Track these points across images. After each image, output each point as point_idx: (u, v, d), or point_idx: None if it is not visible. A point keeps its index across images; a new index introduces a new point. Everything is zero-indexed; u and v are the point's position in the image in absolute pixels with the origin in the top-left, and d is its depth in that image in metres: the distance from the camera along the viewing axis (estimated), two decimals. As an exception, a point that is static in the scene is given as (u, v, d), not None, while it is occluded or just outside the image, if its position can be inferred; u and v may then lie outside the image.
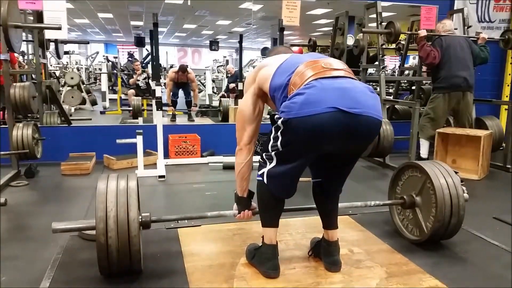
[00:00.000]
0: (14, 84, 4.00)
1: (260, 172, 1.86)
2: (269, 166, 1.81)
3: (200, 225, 2.55)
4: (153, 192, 3.57)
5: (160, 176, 3.92)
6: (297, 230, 2.52)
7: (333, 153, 1.80)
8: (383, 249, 2.31)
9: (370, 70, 7.12)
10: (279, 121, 1.66)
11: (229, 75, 8.97)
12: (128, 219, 1.73)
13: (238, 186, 2.01)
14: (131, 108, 7.00)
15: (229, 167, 4.35)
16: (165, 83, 7.45)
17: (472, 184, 3.82)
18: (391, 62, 11.70)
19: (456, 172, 2.31)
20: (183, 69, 6.98)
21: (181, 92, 7.31)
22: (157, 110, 4.24)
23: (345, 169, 1.94)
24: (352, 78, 1.71)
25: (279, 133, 1.69)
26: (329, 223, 2.03)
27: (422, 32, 4.32)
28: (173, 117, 7.01)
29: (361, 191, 3.60)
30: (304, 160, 1.76)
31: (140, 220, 1.83)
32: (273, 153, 1.77)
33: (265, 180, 1.83)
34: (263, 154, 1.85)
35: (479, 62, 4.40)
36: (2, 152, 3.57)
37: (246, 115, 1.91)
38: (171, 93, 7.09)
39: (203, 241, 2.37)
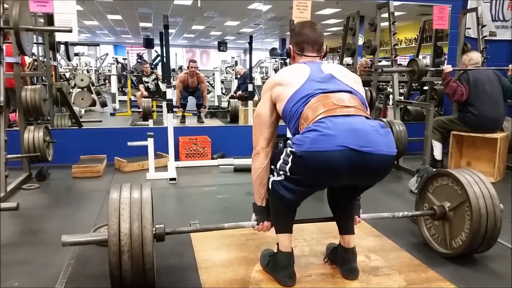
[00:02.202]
0: (26, 87, 4.00)
1: (270, 180, 1.86)
2: (276, 178, 1.80)
3: (213, 229, 2.51)
4: (164, 195, 3.54)
5: (171, 179, 3.90)
6: (312, 235, 2.47)
7: (344, 186, 1.83)
8: (400, 255, 2.25)
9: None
10: (289, 151, 1.65)
11: (238, 76, 8.91)
12: (142, 235, 1.65)
13: (256, 193, 1.93)
14: (141, 110, 7.00)
15: (240, 169, 4.32)
16: (174, 86, 7.46)
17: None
18: (403, 61, 11.57)
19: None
20: (192, 60, 7.03)
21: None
22: (168, 112, 4.22)
23: (359, 193, 1.97)
24: (363, 116, 1.68)
25: (289, 160, 1.67)
26: (346, 228, 1.99)
27: (448, 68, 4.12)
28: (183, 118, 7.00)
29: (375, 194, 3.54)
30: (311, 187, 1.77)
31: (154, 232, 1.78)
32: (281, 172, 1.75)
33: (269, 187, 1.84)
34: (271, 166, 1.83)
35: (510, 95, 4.21)
36: (13, 155, 3.57)
37: (264, 119, 1.87)
38: (182, 97, 7.08)
39: (216, 246, 2.33)
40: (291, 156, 1.65)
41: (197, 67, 7.13)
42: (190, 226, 2.48)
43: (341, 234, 2.01)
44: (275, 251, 1.98)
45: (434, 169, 3.57)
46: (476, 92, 3.94)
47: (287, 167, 1.68)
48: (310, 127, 1.61)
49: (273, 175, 1.81)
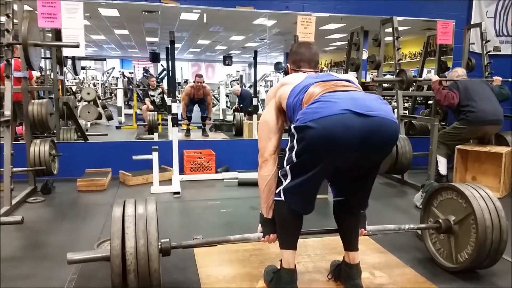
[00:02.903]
0: (32, 101, 4.05)
1: (277, 191, 1.85)
2: (284, 183, 1.80)
3: (216, 245, 2.50)
4: (168, 209, 3.54)
5: (175, 193, 3.90)
6: (316, 251, 2.46)
7: (351, 165, 1.76)
8: (405, 272, 2.23)
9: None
10: (294, 128, 1.67)
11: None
12: (149, 253, 1.62)
13: (264, 202, 1.92)
14: (146, 123, 7.03)
15: (244, 183, 4.32)
16: (180, 99, 7.51)
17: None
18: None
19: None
20: (199, 75, 7.07)
21: (196, 107, 7.33)
22: (173, 126, 4.24)
23: (366, 181, 1.87)
24: (365, 93, 1.74)
25: (294, 142, 1.68)
26: (351, 244, 1.98)
27: (435, 77, 4.31)
28: (188, 132, 7.03)
29: (380, 209, 3.53)
30: (320, 170, 1.68)
31: (160, 247, 1.75)
32: (287, 167, 1.75)
33: (282, 197, 1.80)
34: (279, 172, 1.83)
35: (502, 99, 4.29)
36: (19, 169, 3.59)
37: (271, 125, 1.89)
38: (187, 110, 7.13)
39: (219, 262, 2.32)
40: (296, 136, 1.66)
41: (203, 82, 7.18)
42: (194, 240, 2.48)
43: (346, 250, 2.00)
44: (279, 267, 1.97)
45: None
46: (469, 94, 4.05)
47: (293, 153, 1.69)
48: (311, 103, 1.65)
49: (282, 182, 1.81)
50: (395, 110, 5.17)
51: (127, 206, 1.74)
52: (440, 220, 2.26)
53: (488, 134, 4.22)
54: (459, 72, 4.36)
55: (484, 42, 5.22)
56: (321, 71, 2.07)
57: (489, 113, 3.98)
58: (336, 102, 1.59)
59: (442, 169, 4.27)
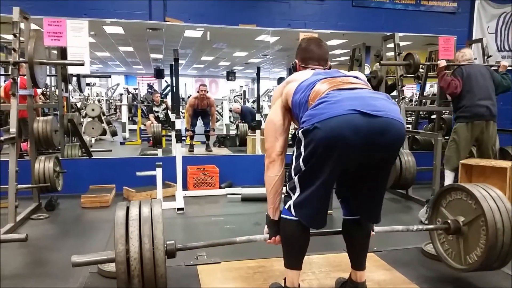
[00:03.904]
0: (38, 118, 4.09)
1: (286, 206, 1.79)
2: (294, 197, 1.75)
3: (219, 262, 2.50)
4: (172, 226, 3.53)
5: (179, 209, 3.90)
6: (321, 268, 2.43)
7: (359, 167, 1.72)
8: (411, 289, 2.21)
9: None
10: (301, 133, 1.64)
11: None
12: (154, 257, 1.58)
13: (271, 203, 1.88)
14: (150, 136, 7.05)
15: (247, 199, 4.32)
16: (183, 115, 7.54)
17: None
18: (408, 90, 11.63)
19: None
20: (203, 84, 7.09)
21: (199, 122, 7.35)
22: (177, 142, 4.27)
23: (376, 187, 1.81)
24: (372, 91, 1.70)
25: (302, 148, 1.65)
26: (359, 263, 1.95)
27: (442, 62, 4.28)
28: (191, 147, 7.04)
29: (384, 225, 3.49)
30: (329, 175, 1.64)
31: (166, 249, 1.70)
32: (296, 178, 1.71)
33: (292, 212, 1.75)
34: (286, 186, 1.81)
35: (501, 90, 4.32)
36: (24, 185, 3.61)
37: (277, 125, 1.86)
38: (191, 125, 7.12)
39: (223, 279, 2.31)
40: (303, 140, 1.63)
41: (207, 91, 7.18)
42: (197, 258, 2.48)
43: (353, 269, 1.98)
44: (283, 285, 1.95)
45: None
46: (469, 85, 4.08)
47: (301, 160, 1.66)
48: (317, 101, 1.62)
49: (291, 197, 1.76)
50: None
51: (131, 209, 1.68)
52: (449, 221, 2.21)
53: (484, 133, 4.15)
54: (467, 55, 4.32)
55: (485, 57, 5.25)
56: (330, 68, 2.00)
57: (482, 106, 4.05)
58: (343, 101, 1.57)
59: (448, 183, 4.25)
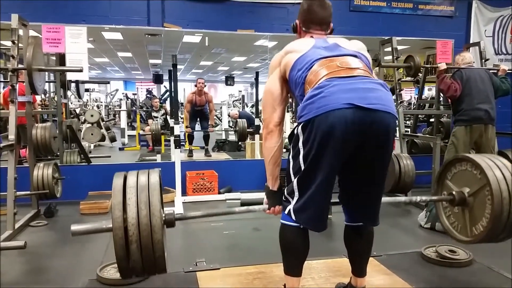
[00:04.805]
0: (36, 125, 4.08)
1: (286, 212, 1.77)
2: (293, 201, 1.74)
3: (219, 268, 2.49)
4: (170, 232, 3.46)
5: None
6: (320, 274, 2.43)
7: (356, 160, 1.70)
8: (411, 294, 2.20)
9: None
10: (299, 128, 1.64)
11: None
12: (151, 223, 1.59)
13: (270, 174, 1.86)
14: (148, 145, 7.05)
15: (247, 204, 4.30)
16: (183, 119, 7.55)
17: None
18: (407, 94, 11.66)
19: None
20: (201, 78, 7.06)
21: (197, 127, 7.36)
22: (175, 148, 4.27)
23: (372, 187, 1.79)
24: (367, 77, 1.67)
25: (300, 144, 1.65)
26: (359, 269, 1.94)
27: (442, 65, 4.29)
28: (190, 152, 7.03)
29: (384, 229, 3.50)
30: (327, 173, 1.64)
31: (164, 218, 1.72)
32: (295, 180, 1.70)
33: (293, 217, 1.74)
34: (284, 190, 1.80)
35: (501, 94, 4.34)
36: (22, 192, 3.61)
37: (275, 94, 1.82)
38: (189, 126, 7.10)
39: (222, 286, 2.30)
40: (301, 136, 1.64)
41: (205, 84, 7.11)
42: (196, 265, 2.48)
43: (353, 275, 1.97)
44: (282, 291, 1.94)
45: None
46: (469, 88, 4.10)
47: (300, 157, 1.65)
48: (313, 90, 1.61)
49: (290, 201, 1.75)
50: (397, 128, 5.19)
51: (129, 178, 1.69)
52: (454, 192, 2.14)
53: (483, 136, 4.15)
54: (467, 58, 4.34)
55: (483, 60, 5.27)
56: (332, 31, 1.94)
57: (481, 109, 4.05)
58: (338, 93, 1.57)
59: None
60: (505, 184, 1.94)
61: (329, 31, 1.93)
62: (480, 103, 4.06)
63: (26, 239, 2.71)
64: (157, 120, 8.26)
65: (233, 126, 10.12)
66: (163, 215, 1.71)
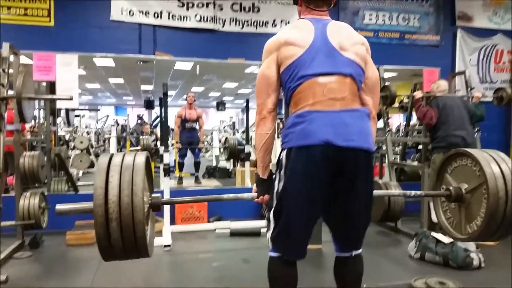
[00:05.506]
0: (24, 153, 4.05)
1: (270, 247, 1.81)
2: (271, 230, 1.79)
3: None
4: (158, 264, 3.46)
5: (165, 245, 3.83)
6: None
7: (338, 195, 1.74)
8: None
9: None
10: (284, 154, 1.73)
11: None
12: (133, 203, 1.57)
13: (260, 162, 1.84)
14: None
15: (236, 234, 4.26)
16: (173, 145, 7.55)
17: (489, 250, 3.66)
18: (395, 120, 11.80)
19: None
20: (191, 92, 7.11)
21: (189, 154, 7.34)
22: (165, 176, 4.24)
23: (354, 211, 1.78)
24: (348, 110, 1.69)
25: (281, 173, 1.73)
26: None
27: (418, 94, 4.40)
28: (180, 179, 7.00)
29: (374, 259, 3.46)
30: (303, 202, 1.69)
31: (150, 201, 1.74)
32: (272, 210, 1.77)
33: (270, 245, 1.79)
34: (266, 215, 1.84)
35: (476, 120, 4.42)
36: (8, 223, 3.53)
37: (271, 80, 1.79)
38: (179, 155, 7.08)
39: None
40: (284, 163, 1.73)
41: (195, 98, 7.14)
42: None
43: None
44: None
45: (432, 232, 3.55)
46: (445, 116, 4.15)
47: (278, 184, 1.75)
48: (295, 118, 1.70)
49: (269, 230, 1.81)
50: (386, 155, 5.24)
51: (114, 157, 1.67)
52: (451, 188, 2.09)
53: None
54: (442, 86, 4.40)
55: (468, 89, 5.38)
56: (335, 4, 1.89)
57: (457, 136, 4.09)
58: (318, 128, 1.65)
59: (435, 216, 4.25)
60: (502, 181, 1.88)
61: (332, 5, 1.88)
62: (456, 130, 4.12)
63: (9, 272, 2.65)
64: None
65: (223, 153, 10.15)
66: (149, 198, 1.75)
